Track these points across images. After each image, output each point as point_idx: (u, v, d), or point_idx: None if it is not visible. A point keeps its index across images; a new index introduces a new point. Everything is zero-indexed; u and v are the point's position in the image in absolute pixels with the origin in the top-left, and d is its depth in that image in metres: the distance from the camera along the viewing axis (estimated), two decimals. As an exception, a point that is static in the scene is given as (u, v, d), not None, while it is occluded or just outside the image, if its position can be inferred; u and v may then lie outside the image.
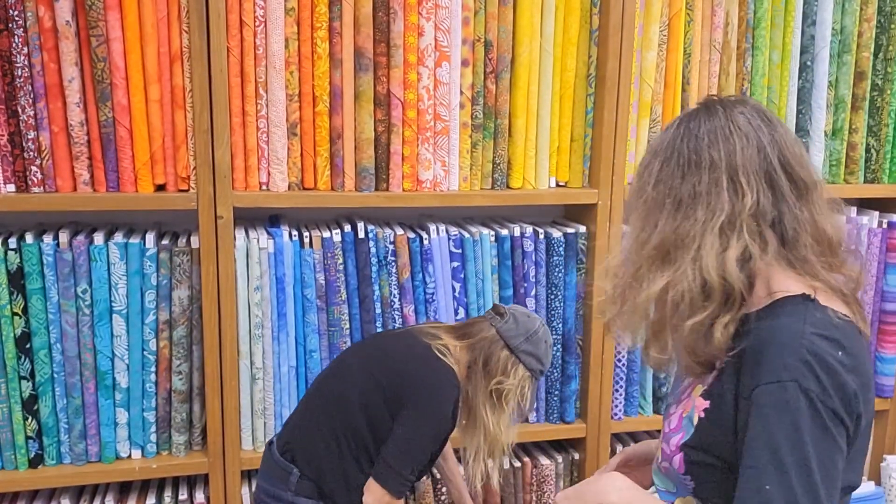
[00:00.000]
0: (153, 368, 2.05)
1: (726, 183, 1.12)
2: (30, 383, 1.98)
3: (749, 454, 1.05)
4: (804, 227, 1.13)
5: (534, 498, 2.42)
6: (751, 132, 1.16)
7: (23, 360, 1.97)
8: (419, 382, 1.72)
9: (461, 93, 2.16)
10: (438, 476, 2.26)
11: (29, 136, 1.90)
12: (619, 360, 2.39)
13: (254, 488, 1.97)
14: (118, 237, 2.01)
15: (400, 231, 2.21)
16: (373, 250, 2.15)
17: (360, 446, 1.74)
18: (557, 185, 2.33)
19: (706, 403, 1.15)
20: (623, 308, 1.20)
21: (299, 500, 1.78)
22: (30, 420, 2.00)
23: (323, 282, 2.13)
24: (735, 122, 1.17)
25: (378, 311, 2.18)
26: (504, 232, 2.26)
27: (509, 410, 1.81)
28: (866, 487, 2.57)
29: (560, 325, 2.33)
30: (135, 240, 2.00)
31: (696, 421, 1.16)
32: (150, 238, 2.02)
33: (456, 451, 2.09)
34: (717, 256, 1.10)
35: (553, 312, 2.32)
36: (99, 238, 1.97)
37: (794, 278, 1.13)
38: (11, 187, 1.92)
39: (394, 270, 2.18)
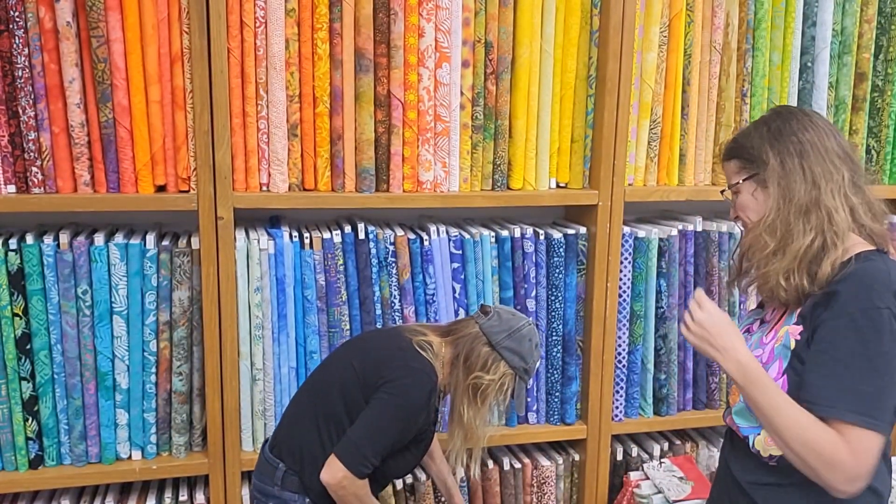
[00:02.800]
0: (153, 369, 2.05)
1: (838, 163, 1.42)
2: (30, 384, 1.98)
3: (834, 347, 1.31)
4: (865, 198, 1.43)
5: (534, 499, 2.41)
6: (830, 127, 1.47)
7: (23, 360, 1.97)
8: (394, 369, 1.75)
9: (461, 94, 2.16)
10: (425, 478, 2.26)
11: (29, 137, 1.90)
12: (620, 362, 2.39)
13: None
14: (119, 238, 2.01)
15: (400, 232, 2.21)
16: (373, 251, 2.15)
17: (339, 432, 1.77)
18: (558, 186, 2.33)
19: (799, 328, 1.39)
20: (778, 256, 1.42)
21: (285, 493, 1.81)
22: (30, 421, 2.00)
23: (323, 283, 2.12)
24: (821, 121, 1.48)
25: (378, 312, 2.18)
26: (504, 233, 2.26)
27: (486, 406, 1.83)
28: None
29: (560, 327, 2.33)
30: (135, 241, 2.00)
31: (792, 345, 1.39)
32: (151, 239, 2.02)
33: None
34: (845, 217, 1.40)
35: (553, 313, 2.32)
36: (99, 239, 1.97)
37: (859, 239, 1.41)
38: (12, 188, 1.92)
39: (394, 271, 2.18)
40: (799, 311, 1.41)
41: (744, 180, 1.50)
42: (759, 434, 1.45)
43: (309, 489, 1.79)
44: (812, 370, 1.34)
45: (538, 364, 1.91)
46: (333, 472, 1.71)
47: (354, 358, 1.81)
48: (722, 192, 1.60)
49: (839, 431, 1.28)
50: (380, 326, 2.18)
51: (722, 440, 1.66)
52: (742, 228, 1.56)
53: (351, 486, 1.71)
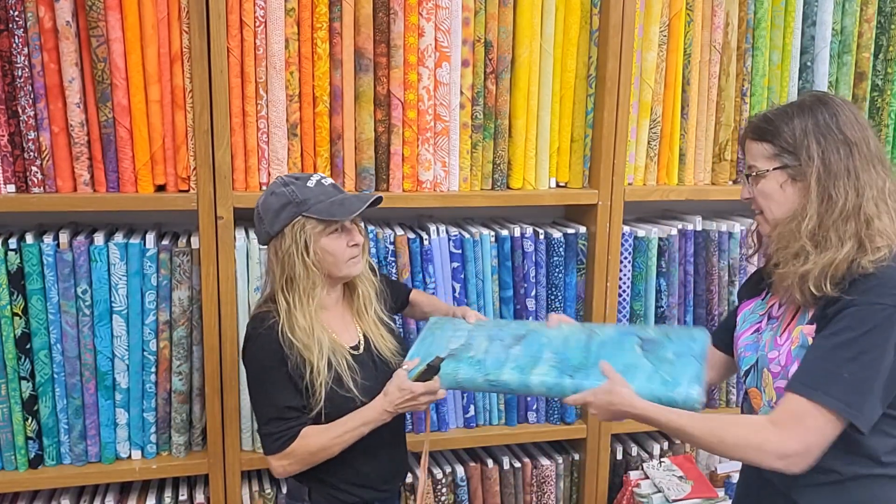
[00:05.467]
0: (153, 369, 2.05)
1: (880, 169, 1.39)
2: (30, 384, 1.98)
3: (831, 334, 1.32)
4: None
5: (534, 498, 2.41)
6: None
7: (23, 360, 1.97)
8: (242, 345, 1.74)
9: (461, 93, 2.16)
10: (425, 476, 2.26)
11: (29, 137, 1.90)
12: (620, 361, 2.39)
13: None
14: (118, 237, 2.01)
15: (400, 231, 2.21)
16: (373, 250, 2.15)
17: None
18: (557, 186, 2.33)
19: (813, 327, 1.38)
20: (808, 261, 1.38)
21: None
22: (30, 420, 2.00)
23: (323, 282, 2.12)
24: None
25: (378, 311, 2.18)
26: (504, 232, 2.26)
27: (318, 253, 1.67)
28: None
29: (560, 326, 2.33)
30: (135, 240, 2.00)
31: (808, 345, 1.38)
32: (151, 238, 2.02)
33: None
34: (886, 225, 1.37)
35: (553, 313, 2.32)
36: (99, 238, 1.97)
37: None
38: (12, 187, 1.92)
39: (394, 271, 2.18)
40: (813, 311, 1.40)
41: (775, 168, 1.42)
42: None
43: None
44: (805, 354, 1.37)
45: (314, 181, 1.68)
46: (272, 468, 1.70)
47: None
48: (747, 175, 1.49)
49: (788, 403, 1.32)
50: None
51: None
52: (756, 211, 1.50)
53: (289, 460, 1.66)
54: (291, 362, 1.65)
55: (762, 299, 1.58)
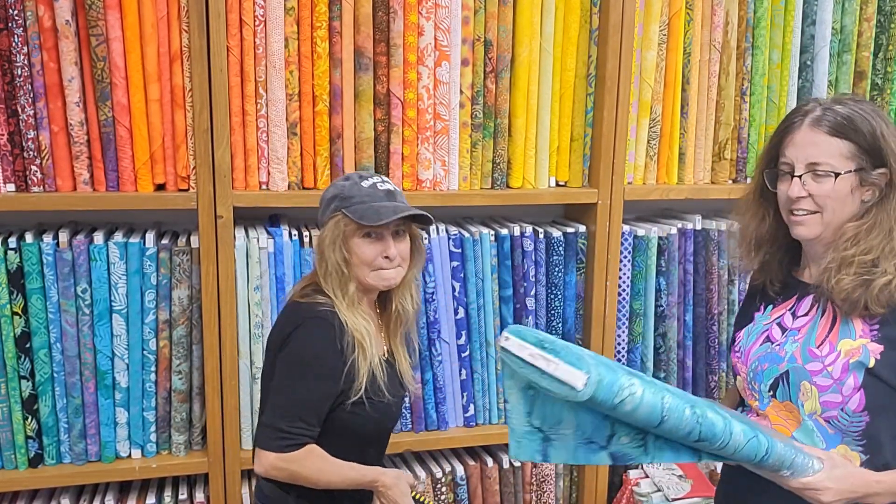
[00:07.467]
0: (153, 368, 2.05)
1: None
2: (30, 383, 1.98)
3: None
4: None
5: (534, 497, 2.42)
6: None
7: (23, 359, 1.97)
8: (284, 328, 1.62)
9: (461, 92, 2.16)
10: (425, 476, 2.26)
11: (29, 136, 1.90)
12: (619, 360, 2.39)
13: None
14: (118, 237, 2.01)
15: (400, 230, 2.20)
16: (373, 250, 2.15)
17: None
18: (557, 185, 2.33)
19: (880, 347, 1.35)
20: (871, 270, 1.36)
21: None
22: (30, 420, 2.00)
23: (323, 281, 2.12)
24: None
25: (378, 310, 2.18)
26: (504, 231, 2.26)
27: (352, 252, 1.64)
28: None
29: (560, 325, 2.33)
30: (134, 239, 2.00)
31: (871, 363, 1.35)
32: (150, 238, 2.02)
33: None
34: None
35: (553, 312, 2.32)
36: (99, 238, 1.97)
37: None
38: (11, 187, 1.92)
39: (394, 270, 2.17)
40: (878, 329, 1.37)
41: (855, 170, 1.36)
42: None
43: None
44: None
45: (371, 182, 1.65)
46: (259, 461, 1.59)
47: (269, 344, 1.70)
48: (816, 170, 1.37)
49: None
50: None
51: None
52: (801, 211, 1.40)
53: (285, 466, 1.57)
54: (346, 341, 1.59)
55: (762, 312, 1.55)
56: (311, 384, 1.58)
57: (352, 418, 1.62)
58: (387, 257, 1.63)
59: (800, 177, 1.38)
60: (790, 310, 1.49)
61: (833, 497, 1.28)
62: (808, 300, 1.47)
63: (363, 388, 1.60)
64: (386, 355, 1.73)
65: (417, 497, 1.68)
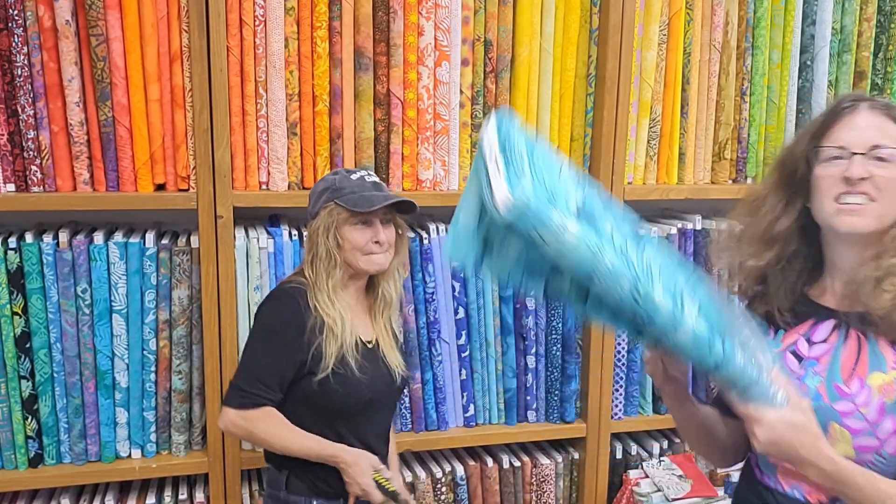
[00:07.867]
0: (153, 368, 2.05)
1: None
2: (30, 383, 1.98)
3: None
4: None
5: (534, 497, 2.41)
6: None
7: (23, 359, 1.96)
8: (258, 308, 1.79)
9: (461, 92, 2.16)
10: (425, 476, 2.26)
11: (29, 136, 1.90)
12: (619, 360, 2.39)
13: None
14: (118, 237, 2.00)
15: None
16: (373, 250, 2.15)
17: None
18: (557, 185, 2.33)
19: None
20: None
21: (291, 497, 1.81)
22: (30, 420, 2.00)
23: (323, 281, 2.12)
24: None
25: (378, 310, 2.18)
26: (504, 231, 2.26)
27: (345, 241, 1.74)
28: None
29: (560, 325, 2.33)
30: (134, 239, 2.00)
31: None
32: (150, 238, 2.02)
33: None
34: None
35: (553, 312, 2.32)
36: (99, 237, 1.97)
37: None
38: (11, 187, 1.92)
39: (394, 270, 2.18)
40: None
41: None
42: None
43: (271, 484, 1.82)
44: None
45: (358, 175, 1.76)
46: (221, 417, 1.74)
47: None
48: (880, 153, 1.22)
49: None
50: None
51: None
52: (856, 197, 1.22)
53: (242, 423, 1.71)
54: (311, 322, 1.70)
55: (772, 338, 1.36)
56: (272, 350, 1.71)
57: (319, 389, 1.71)
58: (377, 242, 1.74)
59: (863, 154, 1.22)
60: (804, 335, 1.31)
61: (766, 437, 1.10)
62: (828, 325, 1.30)
63: (330, 367, 1.70)
64: (370, 339, 1.82)
65: (382, 482, 1.72)
